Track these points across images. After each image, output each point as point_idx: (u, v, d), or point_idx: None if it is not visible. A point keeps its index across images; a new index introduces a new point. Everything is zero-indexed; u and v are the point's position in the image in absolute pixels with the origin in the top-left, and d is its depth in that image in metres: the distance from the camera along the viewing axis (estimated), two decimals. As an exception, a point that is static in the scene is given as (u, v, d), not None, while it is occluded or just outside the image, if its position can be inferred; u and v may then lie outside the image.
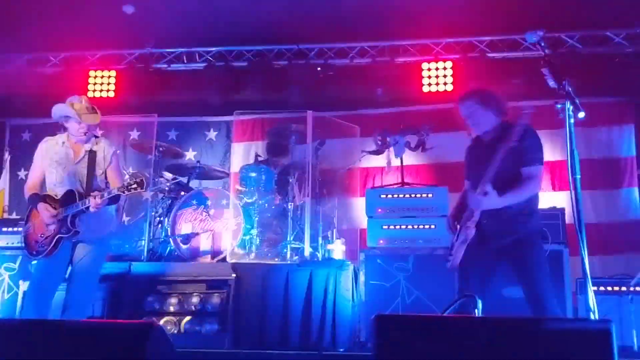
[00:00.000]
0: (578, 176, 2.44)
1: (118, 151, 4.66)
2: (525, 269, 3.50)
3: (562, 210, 5.43)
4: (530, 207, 3.63)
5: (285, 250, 5.92)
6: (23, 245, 4.41)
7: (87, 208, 4.16)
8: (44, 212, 4.23)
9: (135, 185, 4.13)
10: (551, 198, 6.62)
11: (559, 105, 2.54)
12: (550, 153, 7.23)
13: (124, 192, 4.15)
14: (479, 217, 3.50)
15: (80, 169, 4.37)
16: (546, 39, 3.06)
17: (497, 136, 3.67)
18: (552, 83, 2.63)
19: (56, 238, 4.20)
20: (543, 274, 3.47)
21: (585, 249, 2.35)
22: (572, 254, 5.06)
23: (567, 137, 2.46)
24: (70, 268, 4.31)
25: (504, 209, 3.54)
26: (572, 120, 2.49)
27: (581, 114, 2.49)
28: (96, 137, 4.51)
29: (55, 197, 4.32)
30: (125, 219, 6.69)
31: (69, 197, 4.27)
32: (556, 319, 2.26)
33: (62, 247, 4.23)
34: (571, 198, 2.46)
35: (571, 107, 2.50)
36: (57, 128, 7.07)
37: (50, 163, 4.39)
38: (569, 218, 5.38)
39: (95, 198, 4.11)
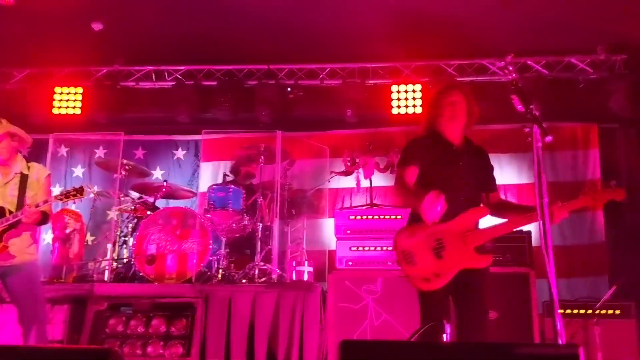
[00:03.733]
0: (545, 199, 2.45)
1: (50, 173, 4.60)
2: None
3: (529, 233, 5.45)
4: None
5: (252, 271, 5.84)
6: None
7: (18, 222, 4.13)
8: None
9: (74, 192, 4.16)
10: (518, 221, 6.68)
11: (527, 129, 2.55)
12: (517, 176, 7.34)
13: (62, 200, 4.19)
14: None
15: (8, 190, 4.31)
16: (513, 64, 3.09)
17: (469, 149, 3.57)
18: (520, 107, 2.65)
19: None
20: None
21: (553, 272, 2.35)
22: (539, 276, 5.10)
23: (535, 160, 2.47)
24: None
25: None
26: (539, 144, 2.51)
27: (548, 138, 2.51)
28: (27, 160, 4.48)
29: None
30: (89, 238, 6.53)
31: None
32: (524, 345, 2.25)
33: None
34: (539, 221, 2.46)
35: (539, 131, 2.52)
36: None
37: None
38: (535, 241, 5.42)
39: (29, 207, 4.09)
